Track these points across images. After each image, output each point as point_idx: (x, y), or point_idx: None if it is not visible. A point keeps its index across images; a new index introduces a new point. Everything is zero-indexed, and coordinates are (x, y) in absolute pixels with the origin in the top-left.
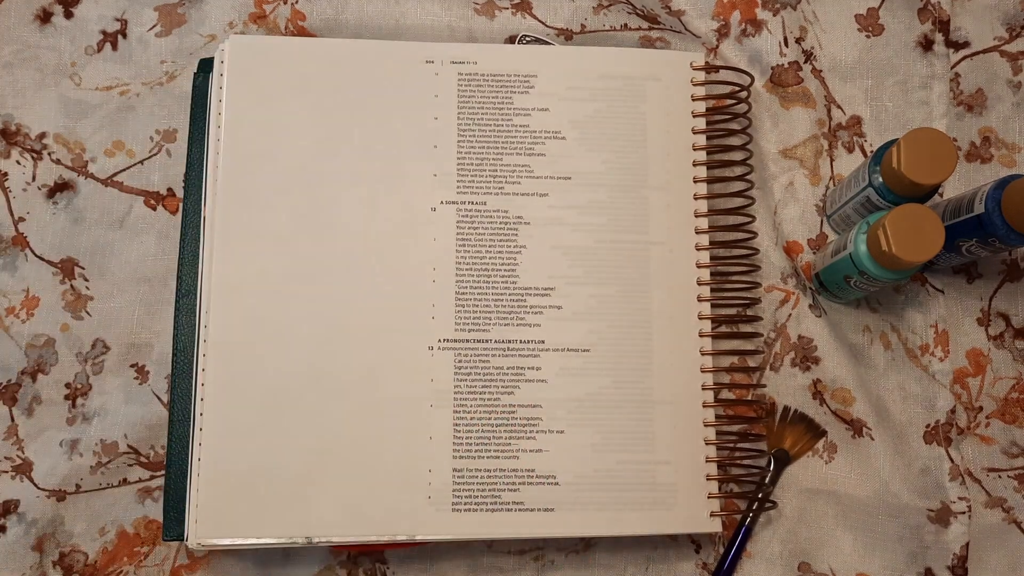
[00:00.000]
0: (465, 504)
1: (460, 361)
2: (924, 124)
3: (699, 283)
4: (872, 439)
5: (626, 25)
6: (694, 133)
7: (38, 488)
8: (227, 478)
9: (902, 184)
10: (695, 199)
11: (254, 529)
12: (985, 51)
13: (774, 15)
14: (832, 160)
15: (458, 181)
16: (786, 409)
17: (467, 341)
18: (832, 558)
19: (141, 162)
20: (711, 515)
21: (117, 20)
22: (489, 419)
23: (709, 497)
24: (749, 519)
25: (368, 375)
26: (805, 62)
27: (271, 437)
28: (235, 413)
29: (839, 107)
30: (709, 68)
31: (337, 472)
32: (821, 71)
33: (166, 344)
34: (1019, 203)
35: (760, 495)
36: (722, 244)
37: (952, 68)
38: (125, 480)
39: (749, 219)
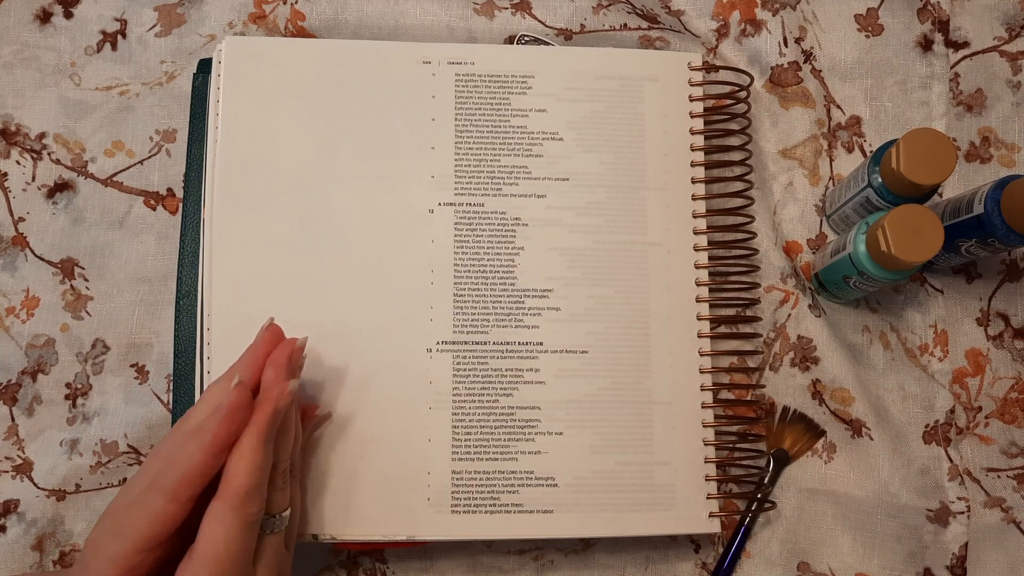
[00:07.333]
0: (464, 506)
1: (459, 363)
2: (923, 124)
3: (698, 283)
4: (871, 439)
5: (626, 25)
6: (692, 133)
7: (38, 488)
8: None
9: (901, 184)
10: (694, 199)
11: None
12: (985, 51)
13: (773, 15)
14: (832, 160)
15: (456, 182)
16: (785, 409)
17: (465, 343)
18: (831, 558)
19: (141, 162)
20: (710, 515)
21: (117, 20)
22: (488, 421)
23: (708, 497)
24: (748, 519)
25: (367, 377)
26: (805, 62)
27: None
28: None
29: (839, 107)
30: (708, 68)
31: (337, 473)
32: (821, 71)
33: (166, 344)
34: (1019, 203)
35: (759, 495)
36: (721, 244)
37: (952, 68)
38: (125, 480)
39: (748, 219)
